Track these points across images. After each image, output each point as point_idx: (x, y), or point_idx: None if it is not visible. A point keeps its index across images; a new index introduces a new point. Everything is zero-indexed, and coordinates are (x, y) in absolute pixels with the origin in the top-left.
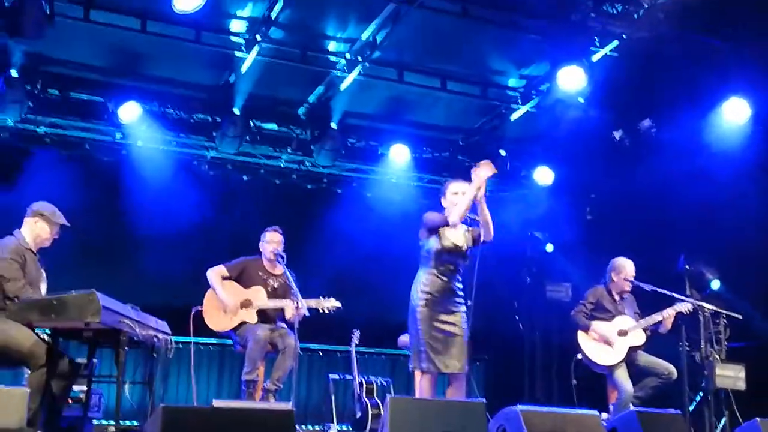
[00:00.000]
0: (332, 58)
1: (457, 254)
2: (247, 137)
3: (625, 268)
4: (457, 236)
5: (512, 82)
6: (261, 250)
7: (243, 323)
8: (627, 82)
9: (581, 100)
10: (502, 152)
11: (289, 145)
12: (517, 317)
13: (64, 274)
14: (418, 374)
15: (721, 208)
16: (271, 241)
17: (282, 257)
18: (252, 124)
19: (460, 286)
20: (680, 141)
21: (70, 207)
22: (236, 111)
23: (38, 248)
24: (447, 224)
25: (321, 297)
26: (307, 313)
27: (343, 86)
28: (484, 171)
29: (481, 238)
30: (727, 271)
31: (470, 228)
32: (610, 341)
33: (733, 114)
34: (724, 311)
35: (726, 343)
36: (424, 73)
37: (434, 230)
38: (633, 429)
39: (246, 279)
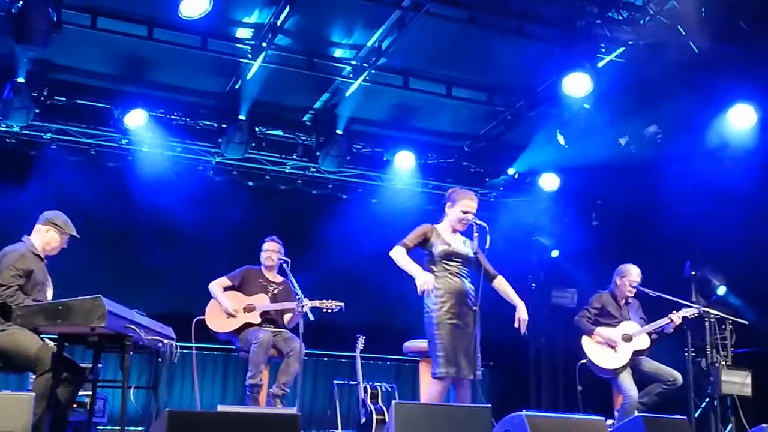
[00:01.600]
0: (338, 64)
1: (461, 257)
2: (253, 143)
3: (630, 272)
4: (456, 241)
5: (517, 88)
6: (261, 259)
7: (246, 325)
8: (633, 88)
9: (587, 106)
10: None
11: (294, 151)
12: None
13: (70, 279)
14: (429, 379)
15: (728, 214)
16: (267, 250)
17: (287, 262)
18: (258, 131)
19: (472, 287)
20: (686, 147)
21: (76, 213)
22: (242, 117)
23: (46, 255)
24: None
25: (325, 299)
26: (312, 317)
27: (349, 93)
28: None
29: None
30: (734, 277)
31: (467, 239)
32: (614, 346)
33: (740, 119)
34: (730, 317)
35: (732, 349)
36: (430, 80)
37: (424, 241)
38: None
39: (247, 287)
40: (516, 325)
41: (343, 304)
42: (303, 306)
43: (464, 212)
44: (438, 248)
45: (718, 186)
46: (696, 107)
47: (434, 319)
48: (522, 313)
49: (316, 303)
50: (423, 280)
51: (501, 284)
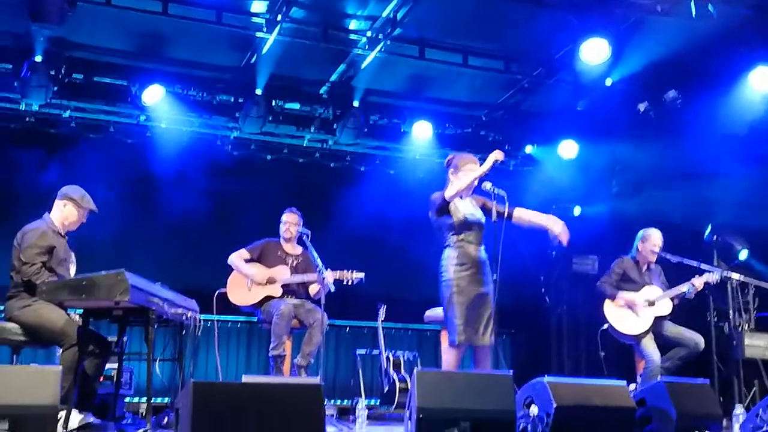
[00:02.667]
0: (353, 36)
1: (475, 224)
2: (270, 117)
3: (651, 237)
4: (467, 206)
5: (535, 55)
6: (280, 231)
7: (267, 298)
8: (651, 53)
9: (609, 82)
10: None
11: (311, 124)
12: (543, 290)
13: (91, 255)
14: (446, 347)
15: (750, 178)
16: (285, 222)
17: (307, 235)
18: (274, 104)
19: (486, 256)
20: (706, 111)
21: (96, 189)
22: (259, 91)
23: (66, 231)
24: (445, 200)
25: (345, 270)
26: (332, 288)
27: (365, 64)
28: (494, 156)
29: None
30: (756, 241)
31: (479, 197)
32: (636, 311)
33: (760, 83)
34: (753, 281)
35: (755, 313)
36: (446, 49)
37: (443, 208)
38: (661, 399)
39: (267, 259)
40: (554, 238)
41: (363, 274)
42: (324, 279)
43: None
44: (456, 216)
45: (740, 150)
46: (716, 71)
47: (453, 288)
48: (554, 224)
49: (336, 274)
50: (493, 155)
51: (522, 213)
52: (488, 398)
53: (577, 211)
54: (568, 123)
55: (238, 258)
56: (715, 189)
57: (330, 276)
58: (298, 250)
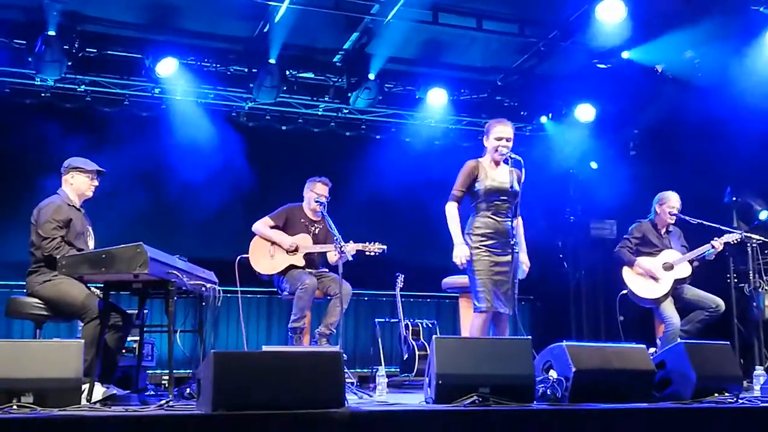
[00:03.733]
0: (366, 2)
1: (504, 192)
2: (284, 87)
3: (669, 199)
4: (500, 174)
5: (549, 18)
6: (305, 197)
7: (291, 267)
8: (667, 13)
9: (626, 55)
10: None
11: (326, 93)
12: (561, 256)
13: (111, 229)
14: (470, 313)
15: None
16: (321, 193)
17: (324, 205)
18: (288, 74)
19: (513, 224)
20: (723, 71)
21: (112, 163)
22: (272, 61)
23: (82, 202)
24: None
25: (368, 242)
26: (351, 258)
27: (379, 30)
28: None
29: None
30: None
31: (513, 168)
32: (655, 275)
33: None
34: None
35: None
36: (459, 14)
37: (473, 181)
38: (681, 361)
39: (290, 226)
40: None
41: (385, 246)
42: (342, 249)
43: (498, 138)
44: (483, 184)
45: (758, 109)
46: (733, 30)
47: (473, 257)
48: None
49: (359, 246)
50: (456, 253)
51: (517, 227)
52: (507, 364)
53: (594, 165)
54: (585, 86)
55: (263, 225)
56: (734, 149)
57: (352, 248)
58: (318, 217)
